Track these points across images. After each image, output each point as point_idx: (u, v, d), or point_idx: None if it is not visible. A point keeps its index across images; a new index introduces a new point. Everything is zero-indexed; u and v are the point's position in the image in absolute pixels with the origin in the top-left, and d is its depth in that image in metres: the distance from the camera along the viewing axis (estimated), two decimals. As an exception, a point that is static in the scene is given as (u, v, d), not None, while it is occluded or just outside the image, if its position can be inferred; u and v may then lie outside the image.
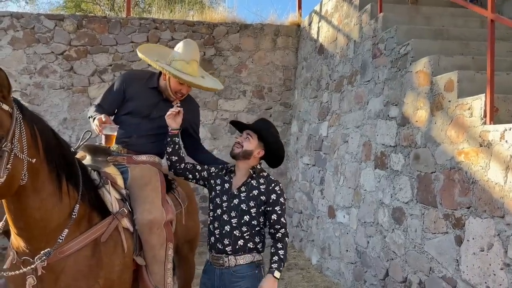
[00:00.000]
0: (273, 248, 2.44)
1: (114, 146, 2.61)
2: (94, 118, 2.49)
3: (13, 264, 2.05)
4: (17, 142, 1.77)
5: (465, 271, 2.75)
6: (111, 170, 2.46)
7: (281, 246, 2.41)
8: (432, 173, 3.16)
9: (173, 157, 2.59)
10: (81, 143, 2.45)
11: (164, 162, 2.75)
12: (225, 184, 2.51)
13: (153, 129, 2.66)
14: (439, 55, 3.36)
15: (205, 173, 2.60)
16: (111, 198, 2.30)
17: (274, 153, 2.57)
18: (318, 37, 5.92)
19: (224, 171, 2.57)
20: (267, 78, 6.73)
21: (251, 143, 2.47)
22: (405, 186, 3.50)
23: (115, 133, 2.40)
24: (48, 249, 1.98)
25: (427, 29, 4.16)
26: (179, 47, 2.73)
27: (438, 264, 3.04)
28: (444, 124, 3.07)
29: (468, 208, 2.75)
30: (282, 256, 2.39)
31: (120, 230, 2.25)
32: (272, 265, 2.36)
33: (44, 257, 1.97)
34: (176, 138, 2.60)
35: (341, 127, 4.84)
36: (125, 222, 2.31)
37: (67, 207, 2.05)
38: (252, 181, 2.47)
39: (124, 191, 2.44)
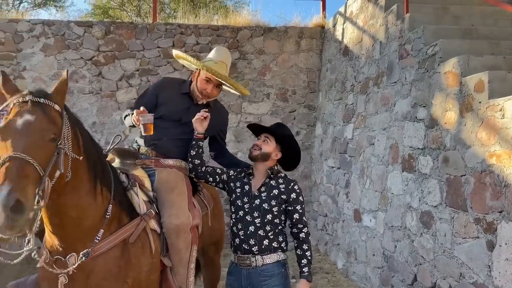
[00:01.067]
0: (299, 250, 2.49)
1: (143, 149, 2.69)
2: (131, 115, 2.56)
3: (46, 263, 2.10)
4: (66, 141, 1.87)
5: (497, 277, 2.67)
6: (139, 172, 2.51)
7: (307, 248, 2.48)
8: (462, 176, 3.09)
9: (195, 160, 2.64)
10: (111, 147, 2.51)
11: None
12: (245, 186, 2.57)
13: (183, 133, 2.70)
14: (469, 55, 3.28)
15: (224, 176, 2.66)
16: (139, 200, 2.35)
17: (291, 155, 2.65)
18: (342, 38, 5.88)
19: (243, 173, 2.64)
20: (291, 80, 6.72)
21: (269, 146, 2.56)
22: (433, 190, 3.42)
23: (152, 122, 2.45)
24: (87, 249, 2.04)
25: (455, 28, 4.06)
26: (211, 52, 2.86)
27: (468, 269, 2.95)
28: (474, 126, 3.00)
29: (500, 212, 2.67)
30: (309, 258, 2.47)
31: (147, 232, 2.29)
32: (303, 269, 2.44)
33: (84, 257, 2.02)
34: (200, 142, 2.65)
35: (367, 129, 4.78)
36: (153, 224, 2.35)
37: (101, 207, 2.11)
38: (271, 182, 2.54)
39: (151, 193, 2.49)
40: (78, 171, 1.96)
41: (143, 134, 2.51)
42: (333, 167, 5.76)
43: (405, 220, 3.84)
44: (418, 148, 3.69)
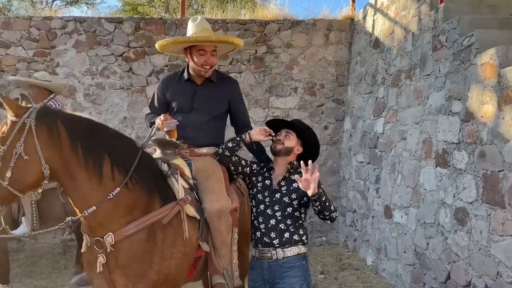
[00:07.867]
0: None
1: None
2: (155, 122, 2.70)
3: (88, 247, 2.22)
4: (21, 146, 2.00)
5: (539, 277, 2.56)
6: (179, 161, 2.61)
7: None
8: (499, 171, 2.97)
9: (226, 151, 2.69)
10: (149, 138, 2.61)
11: None
12: (266, 181, 2.64)
13: (202, 117, 2.82)
14: (507, 46, 3.14)
15: (247, 169, 2.72)
16: (179, 187, 2.41)
17: (310, 149, 2.71)
18: (373, 30, 5.75)
19: (265, 168, 2.70)
20: (319, 74, 6.63)
21: (291, 140, 2.64)
22: (469, 185, 3.31)
23: (175, 127, 2.62)
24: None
25: (492, 18, 3.90)
26: (188, 27, 2.88)
27: (506, 268, 2.84)
28: (513, 119, 2.87)
29: (542, 209, 2.56)
30: (331, 201, 2.41)
31: (182, 218, 2.32)
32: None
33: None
34: (242, 144, 2.70)
35: (399, 123, 4.67)
36: (191, 210, 2.40)
37: (106, 191, 2.17)
38: (291, 176, 2.59)
39: (191, 181, 2.58)
40: (70, 168, 2.09)
41: (167, 139, 2.65)
42: (362, 162, 5.66)
43: (438, 216, 3.73)
44: (453, 143, 3.57)
